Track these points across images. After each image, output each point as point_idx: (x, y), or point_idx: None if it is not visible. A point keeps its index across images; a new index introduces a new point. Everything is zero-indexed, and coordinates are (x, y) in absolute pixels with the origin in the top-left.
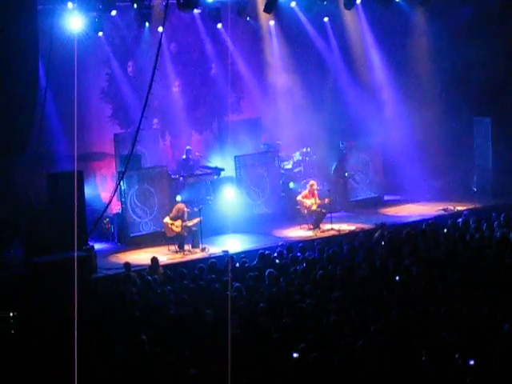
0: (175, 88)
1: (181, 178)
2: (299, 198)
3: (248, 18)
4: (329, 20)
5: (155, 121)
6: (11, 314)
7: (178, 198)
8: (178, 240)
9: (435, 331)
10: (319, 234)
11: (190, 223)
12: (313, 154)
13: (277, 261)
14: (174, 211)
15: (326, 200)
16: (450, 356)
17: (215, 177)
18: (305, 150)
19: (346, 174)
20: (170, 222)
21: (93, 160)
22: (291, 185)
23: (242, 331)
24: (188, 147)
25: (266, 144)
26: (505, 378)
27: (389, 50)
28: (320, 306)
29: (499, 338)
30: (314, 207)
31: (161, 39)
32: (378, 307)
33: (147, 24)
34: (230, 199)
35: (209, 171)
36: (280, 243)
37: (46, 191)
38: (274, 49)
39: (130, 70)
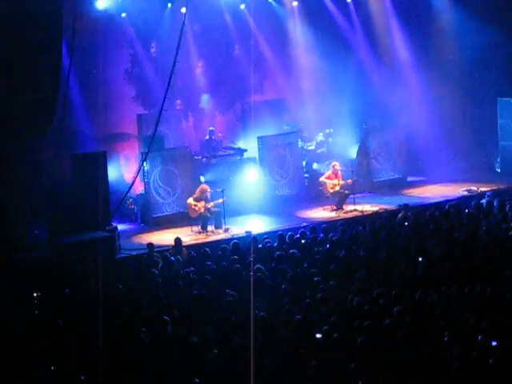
0: (198, 69)
1: (204, 159)
2: (322, 178)
3: None
4: (352, 1)
5: (178, 102)
6: (35, 295)
7: (202, 178)
8: (201, 221)
9: (458, 312)
10: (342, 215)
11: (212, 204)
12: (336, 134)
13: (299, 242)
14: (197, 192)
15: (349, 181)
16: (473, 337)
17: (238, 157)
18: (328, 131)
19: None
20: (193, 202)
21: (116, 141)
22: (315, 165)
23: (264, 312)
24: (211, 128)
25: (288, 124)
26: None
27: (412, 30)
28: (343, 287)
29: None
30: (337, 188)
31: (184, 20)
32: (401, 288)
33: (170, 5)
34: (252, 180)
35: (232, 152)
36: (303, 224)
37: (69, 172)
38: (297, 30)
39: (153, 50)
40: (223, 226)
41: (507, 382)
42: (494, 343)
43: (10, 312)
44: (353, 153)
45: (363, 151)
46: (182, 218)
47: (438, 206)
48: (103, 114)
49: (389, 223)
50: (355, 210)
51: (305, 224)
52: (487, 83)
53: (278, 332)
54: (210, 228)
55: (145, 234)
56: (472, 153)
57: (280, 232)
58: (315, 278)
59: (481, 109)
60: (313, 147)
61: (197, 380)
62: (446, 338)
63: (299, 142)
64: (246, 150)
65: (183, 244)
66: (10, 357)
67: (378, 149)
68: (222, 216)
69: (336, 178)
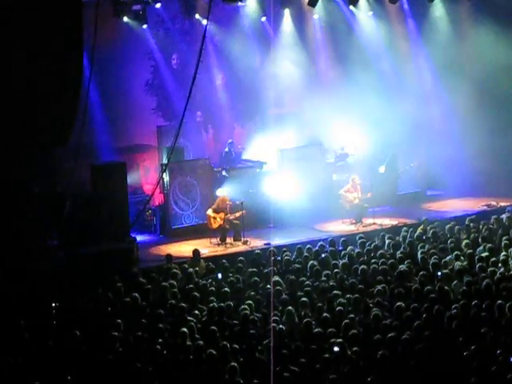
0: (219, 81)
1: (223, 171)
2: (341, 191)
3: (291, 12)
4: (373, 14)
5: (198, 113)
6: (53, 305)
7: (218, 192)
8: (220, 233)
9: (477, 327)
10: (361, 229)
11: (232, 216)
12: (356, 148)
13: (318, 255)
14: (216, 204)
15: (369, 194)
16: (491, 352)
17: (258, 170)
18: (348, 144)
19: (412, 165)
20: (212, 214)
21: (136, 152)
22: (334, 177)
23: (282, 325)
24: (230, 140)
25: (309, 137)
26: None
27: (433, 43)
28: (361, 301)
29: None
30: (357, 201)
31: (205, 32)
32: (420, 302)
33: (193, 16)
34: (272, 192)
35: (251, 164)
36: (322, 237)
37: (89, 182)
38: (318, 42)
39: (174, 62)
40: (242, 238)
41: None
42: None
43: (27, 322)
44: (372, 166)
45: (392, 166)
46: (201, 230)
47: (458, 220)
48: (123, 125)
49: (408, 237)
50: (374, 223)
51: (324, 237)
52: (507, 95)
53: (296, 345)
54: (228, 240)
55: (163, 246)
56: (492, 167)
57: (299, 245)
58: (334, 291)
59: (501, 122)
60: (332, 160)
61: None
62: (464, 353)
63: (319, 155)
64: (265, 163)
65: (202, 256)
66: (25, 368)
67: (402, 164)
68: (241, 228)
69: (355, 191)
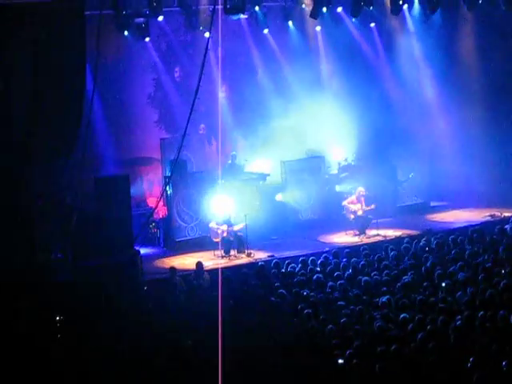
0: (222, 93)
1: (226, 184)
2: (345, 203)
3: (294, 24)
4: (375, 25)
5: (202, 126)
6: (58, 318)
7: (219, 203)
8: (224, 245)
9: (481, 338)
10: (365, 240)
11: (235, 228)
12: (359, 159)
13: (322, 267)
14: (220, 216)
15: (372, 206)
16: (495, 363)
17: (261, 182)
18: (351, 155)
19: (410, 176)
20: (215, 226)
21: (139, 164)
22: (337, 188)
23: (287, 337)
24: (233, 152)
25: (311, 149)
26: None
27: (436, 55)
28: (366, 312)
29: None
30: (360, 213)
31: (207, 44)
32: (424, 313)
33: (196, 29)
34: (275, 204)
35: (254, 176)
36: (326, 249)
37: (92, 195)
38: (321, 54)
39: (176, 75)
40: (246, 251)
41: None
42: None
43: (35, 335)
44: (376, 177)
45: (390, 176)
46: (205, 242)
47: (461, 231)
48: (126, 138)
49: (412, 248)
50: (378, 234)
51: (327, 249)
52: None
53: (300, 357)
54: (232, 252)
55: (167, 258)
56: (495, 177)
57: (303, 257)
58: (338, 303)
59: (506, 134)
60: (335, 171)
61: None
62: (468, 364)
63: (322, 167)
64: (268, 175)
65: (205, 268)
66: (32, 380)
67: (403, 175)
68: (245, 240)
69: (359, 202)
